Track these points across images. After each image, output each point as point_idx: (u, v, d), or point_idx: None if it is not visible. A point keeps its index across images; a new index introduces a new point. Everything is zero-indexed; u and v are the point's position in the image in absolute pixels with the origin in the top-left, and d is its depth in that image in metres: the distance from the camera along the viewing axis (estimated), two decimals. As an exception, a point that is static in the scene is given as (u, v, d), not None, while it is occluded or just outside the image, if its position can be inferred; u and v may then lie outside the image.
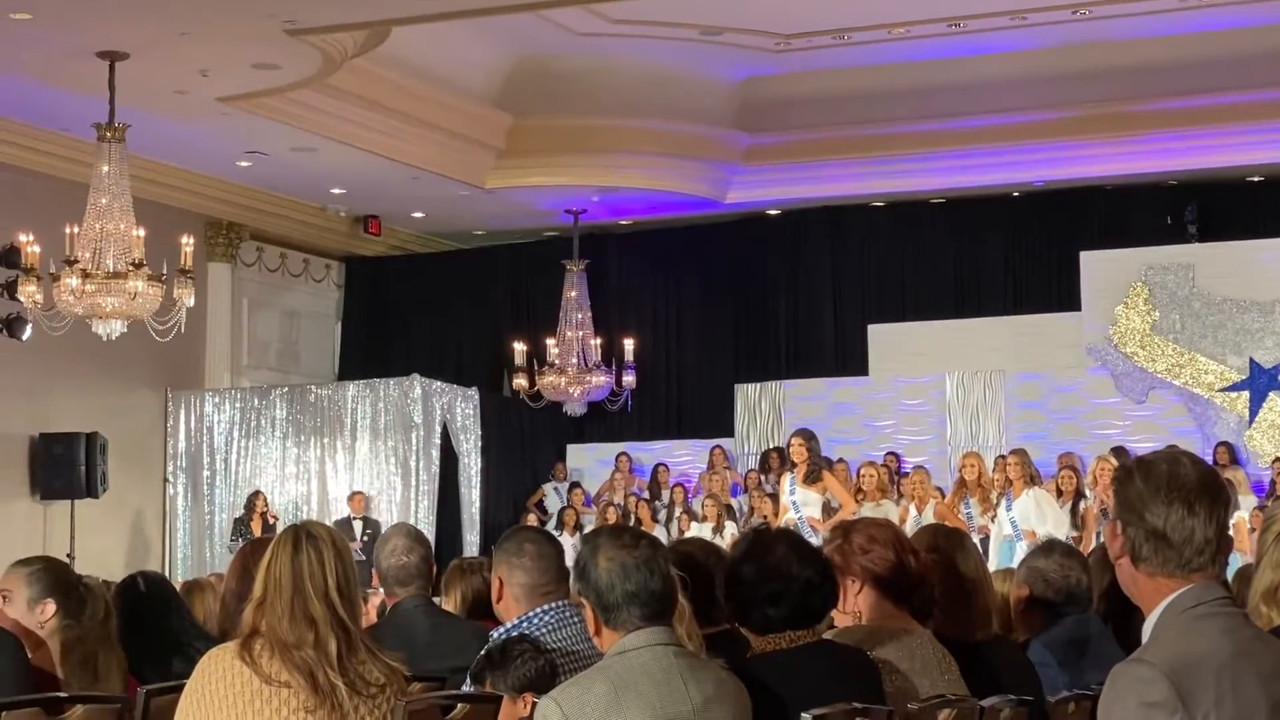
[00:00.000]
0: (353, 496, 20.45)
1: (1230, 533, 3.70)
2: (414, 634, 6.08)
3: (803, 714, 4.21)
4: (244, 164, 20.33)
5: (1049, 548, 6.04)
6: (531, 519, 21.16)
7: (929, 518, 16.40)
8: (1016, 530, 15.33)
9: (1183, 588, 3.50)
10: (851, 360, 22.50)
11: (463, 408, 21.61)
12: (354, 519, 20.16)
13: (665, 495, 21.44)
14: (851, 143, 21.36)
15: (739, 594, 4.51)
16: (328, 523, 20.27)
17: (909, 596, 4.84)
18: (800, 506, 15.03)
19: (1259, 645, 3.50)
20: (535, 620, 4.92)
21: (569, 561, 4.66)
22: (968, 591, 5.23)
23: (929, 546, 5.16)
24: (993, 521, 16.02)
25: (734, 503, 20.59)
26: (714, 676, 4.09)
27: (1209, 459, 19.70)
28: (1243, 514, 17.33)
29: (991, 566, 15.55)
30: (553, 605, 4.91)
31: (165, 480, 21.55)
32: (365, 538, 19.46)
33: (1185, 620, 3.46)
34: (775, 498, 18.09)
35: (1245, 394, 20.31)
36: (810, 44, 20.08)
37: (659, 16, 18.90)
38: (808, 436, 15.32)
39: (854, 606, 4.81)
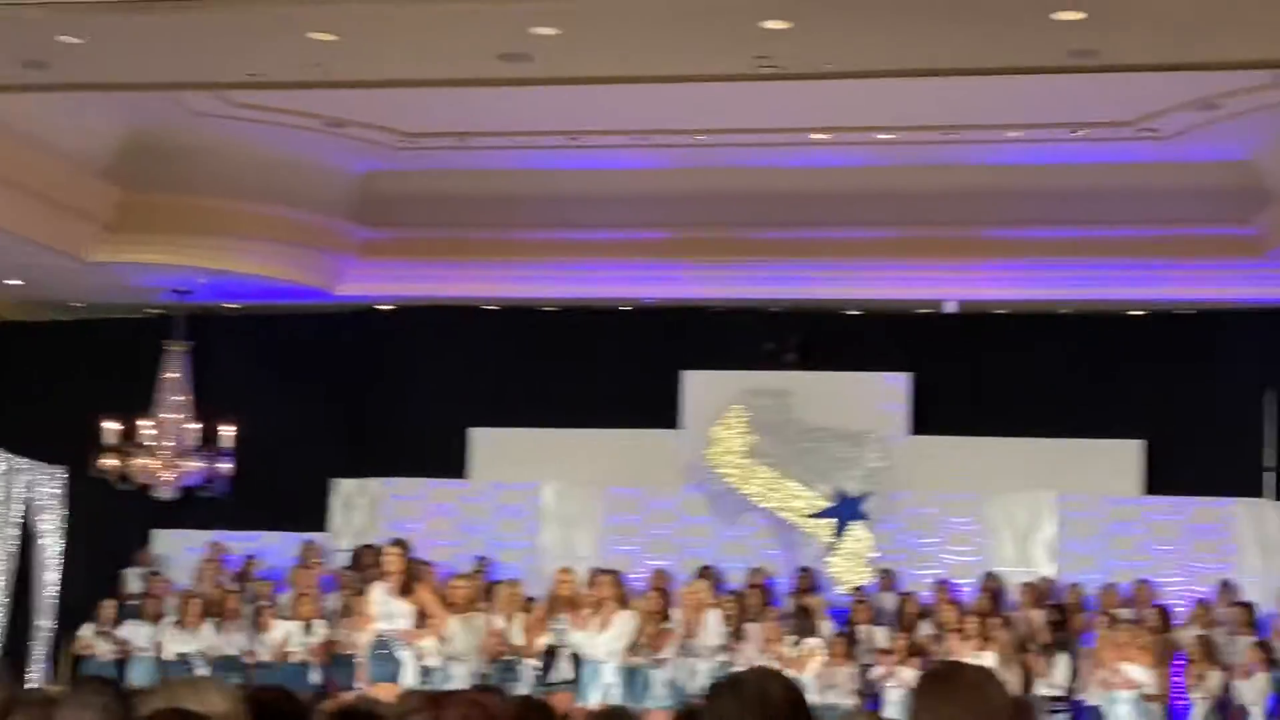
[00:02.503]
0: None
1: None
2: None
3: None
4: None
5: None
6: (109, 606, 20.41)
7: (517, 630, 16.41)
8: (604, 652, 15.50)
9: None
10: (452, 462, 22.39)
11: (46, 486, 20.75)
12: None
13: (253, 588, 20.93)
14: (467, 245, 21.43)
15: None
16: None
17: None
18: (391, 619, 14.85)
19: None
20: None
21: None
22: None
23: (515, 720, 5.11)
24: (584, 637, 16.15)
25: (326, 600, 20.26)
26: None
27: (791, 584, 20.25)
28: (818, 641, 17.82)
29: (595, 695, 15.71)
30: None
31: None
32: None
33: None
34: (362, 594, 17.88)
35: (831, 521, 20.89)
36: (432, 144, 20.11)
37: (282, 104, 18.65)
38: (404, 547, 15.17)
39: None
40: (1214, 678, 17.76)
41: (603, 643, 15.82)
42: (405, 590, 14.91)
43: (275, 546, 22.06)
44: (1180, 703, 18.41)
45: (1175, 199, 19.78)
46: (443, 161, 20.63)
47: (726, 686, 3.63)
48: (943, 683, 3.86)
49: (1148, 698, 17.24)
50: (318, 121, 19.30)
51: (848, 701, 18.04)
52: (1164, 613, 19.18)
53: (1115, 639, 17.63)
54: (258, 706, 5.45)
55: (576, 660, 16.51)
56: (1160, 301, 20.94)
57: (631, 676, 16.45)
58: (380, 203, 21.37)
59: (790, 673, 17.23)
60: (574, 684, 16.45)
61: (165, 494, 21.24)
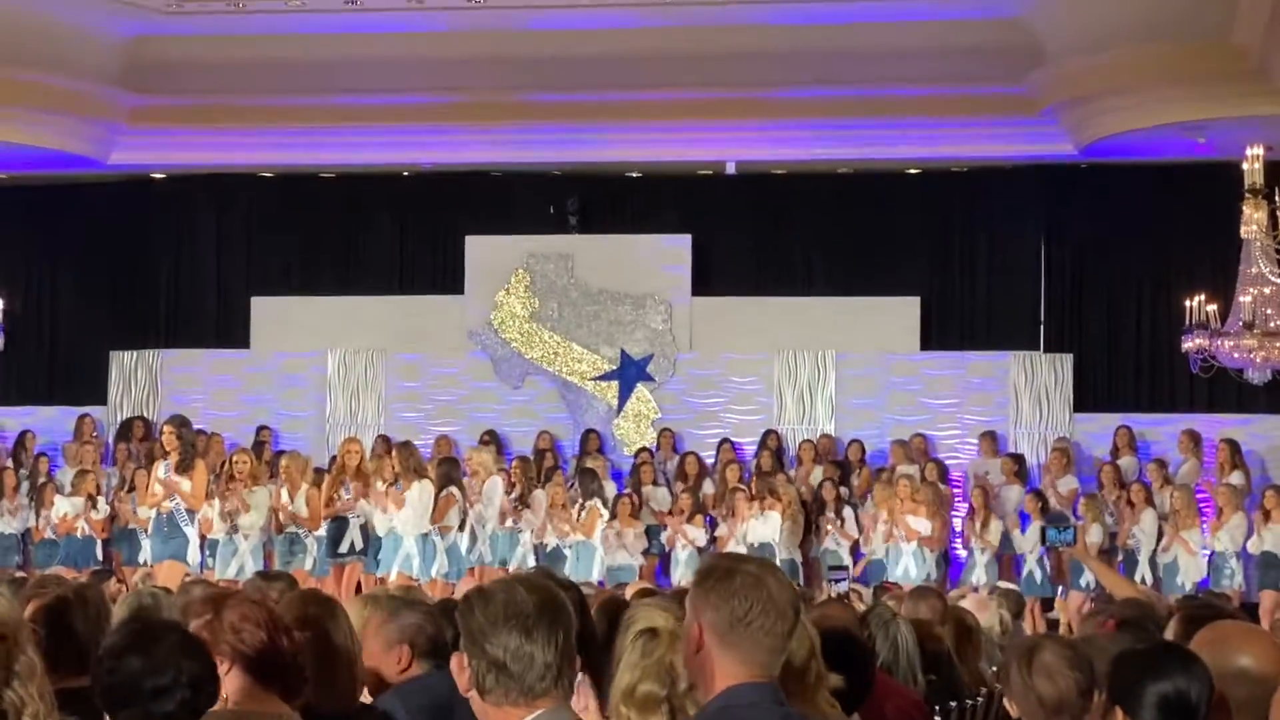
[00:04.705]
0: None
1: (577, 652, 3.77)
2: None
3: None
4: None
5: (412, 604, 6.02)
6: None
7: (301, 504, 16.31)
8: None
9: (530, 715, 3.56)
10: (234, 332, 22.13)
11: None
12: None
13: (30, 464, 20.52)
14: (242, 111, 20.96)
15: (121, 684, 4.28)
16: None
17: (280, 677, 4.75)
18: (173, 496, 14.73)
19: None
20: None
21: None
22: (340, 663, 5.18)
23: (300, 618, 5.08)
24: (383, 513, 16.16)
25: (105, 475, 19.98)
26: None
27: (578, 447, 20.40)
28: (596, 502, 17.95)
29: (395, 567, 15.76)
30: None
31: None
32: None
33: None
34: (146, 469, 17.67)
35: (615, 384, 21.05)
36: (203, 8, 19.64)
37: (43, -32, 18.04)
38: (180, 424, 15.01)
39: (222, 688, 4.67)
40: (996, 528, 18.30)
41: (403, 516, 15.85)
42: (185, 467, 14.75)
43: (52, 422, 21.61)
44: (957, 551, 19.03)
45: (950, 57, 19.99)
46: (214, 26, 20.14)
47: (475, 597, 3.65)
48: (725, 578, 3.90)
49: (925, 544, 17.75)
50: (82, -15, 18.71)
51: (635, 562, 18.29)
52: (941, 465, 19.70)
53: (895, 493, 18.09)
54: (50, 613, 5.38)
55: (365, 531, 16.49)
56: (936, 160, 21.24)
57: (424, 545, 16.46)
58: (151, 68, 20.79)
59: (577, 536, 17.50)
60: (363, 554, 16.44)
61: (-66, 370, 20.66)
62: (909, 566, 17.76)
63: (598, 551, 17.71)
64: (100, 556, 18.64)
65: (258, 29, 20.12)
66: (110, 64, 20.68)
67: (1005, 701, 4.98)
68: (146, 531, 16.37)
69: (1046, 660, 4.84)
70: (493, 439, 20.12)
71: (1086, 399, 20.82)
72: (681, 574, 17.82)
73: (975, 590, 14.39)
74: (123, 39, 20.50)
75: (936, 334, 21.26)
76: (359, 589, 15.42)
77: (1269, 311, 16.75)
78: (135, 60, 20.74)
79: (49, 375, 22.70)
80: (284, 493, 16.37)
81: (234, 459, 16.45)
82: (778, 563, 12.25)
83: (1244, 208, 14.48)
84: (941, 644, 8.27)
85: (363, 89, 20.71)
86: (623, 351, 21.07)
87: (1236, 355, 17.20)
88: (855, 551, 18.70)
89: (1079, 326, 21.25)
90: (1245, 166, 14.57)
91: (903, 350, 20.95)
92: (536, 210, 21.77)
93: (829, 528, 18.66)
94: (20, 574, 15.60)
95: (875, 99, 20.39)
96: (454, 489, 16.80)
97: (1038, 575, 18.08)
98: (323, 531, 16.47)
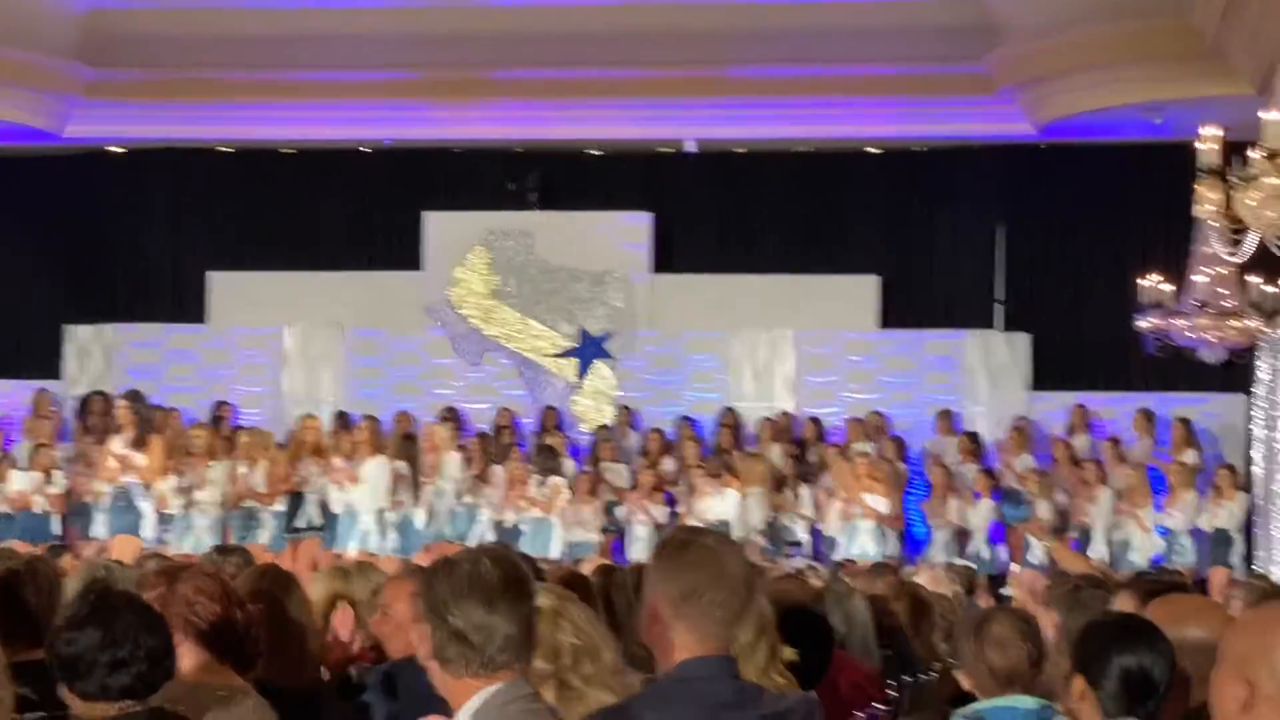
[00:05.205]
0: None
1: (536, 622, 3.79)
2: None
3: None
4: None
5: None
6: None
7: (259, 479, 16.30)
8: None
9: (489, 687, 3.58)
10: (190, 307, 22.01)
11: None
12: None
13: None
14: (200, 85, 20.86)
15: (78, 655, 4.22)
16: None
17: (234, 650, 4.74)
18: (128, 471, 14.71)
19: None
20: None
21: None
22: (293, 637, 5.18)
23: (254, 592, 5.08)
24: (338, 488, 16.19)
25: (61, 450, 19.87)
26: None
27: (536, 424, 20.41)
28: (559, 479, 18.04)
29: (353, 542, 15.78)
30: None
31: None
32: None
33: (496, 718, 3.54)
34: (102, 444, 17.61)
35: (574, 361, 21.05)
36: (160, -20, 19.54)
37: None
38: (135, 399, 14.99)
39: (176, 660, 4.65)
40: (954, 506, 18.39)
41: (360, 491, 15.86)
42: (141, 443, 14.72)
43: (5, 396, 21.48)
44: (913, 528, 19.11)
45: (909, 37, 20.04)
46: (172, -1, 20.09)
47: (439, 568, 3.67)
48: (680, 550, 3.93)
49: (883, 521, 17.83)
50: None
51: (593, 538, 18.32)
52: (899, 443, 19.75)
53: (853, 470, 18.15)
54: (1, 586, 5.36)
55: (322, 506, 16.49)
56: (895, 139, 21.29)
57: (380, 521, 16.50)
58: (107, 41, 20.66)
59: (536, 512, 17.53)
60: (321, 530, 16.44)
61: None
62: (866, 544, 17.84)
63: (556, 527, 17.74)
64: (56, 531, 18.57)
65: (215, 2, 20.02)
66: (67, 37, 20.54)
67: (958, 674, 5.02)
68: (103, 506, 16.33)
69: (997, 632, 4.88)
70: (451, 415, 20.09)
71: (1043, 378, 20.89)
72: (640, 550, 17.87)
73: (932, 567, 14.47)
74: (79, 12, 20.37)
75: (894, 312, 21.31)
76: (315, 564, 15.46)
77: (1223, 292, 16.82)
78: (92, 33, 20.60)
79: (2, 349, 22.54)
80: (241, 467, 16.35)
81: (190, 434, 16.43)
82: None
83: (1198, 188, 14.52)
84: (896, 619, 8.34)
85: (322, 64, 20.64)
86: (582, 329, 21.06)
87: (1191, 335, 17.27)
88: (812, 528, 18.75)
89: (1036, 305, 21.33)
90: (1200, 146, 14.60)
91: (860, 328, 20.99)
92: (496, 187, 21.71)
93: (783, 506, 18.72)
94: (-25, 548, 15.53)
95: (835, 78, 20.42)
96: (401, 463, 16.82)
97: (984, 552, 18.21)
98: (280, 506, 16.47)
